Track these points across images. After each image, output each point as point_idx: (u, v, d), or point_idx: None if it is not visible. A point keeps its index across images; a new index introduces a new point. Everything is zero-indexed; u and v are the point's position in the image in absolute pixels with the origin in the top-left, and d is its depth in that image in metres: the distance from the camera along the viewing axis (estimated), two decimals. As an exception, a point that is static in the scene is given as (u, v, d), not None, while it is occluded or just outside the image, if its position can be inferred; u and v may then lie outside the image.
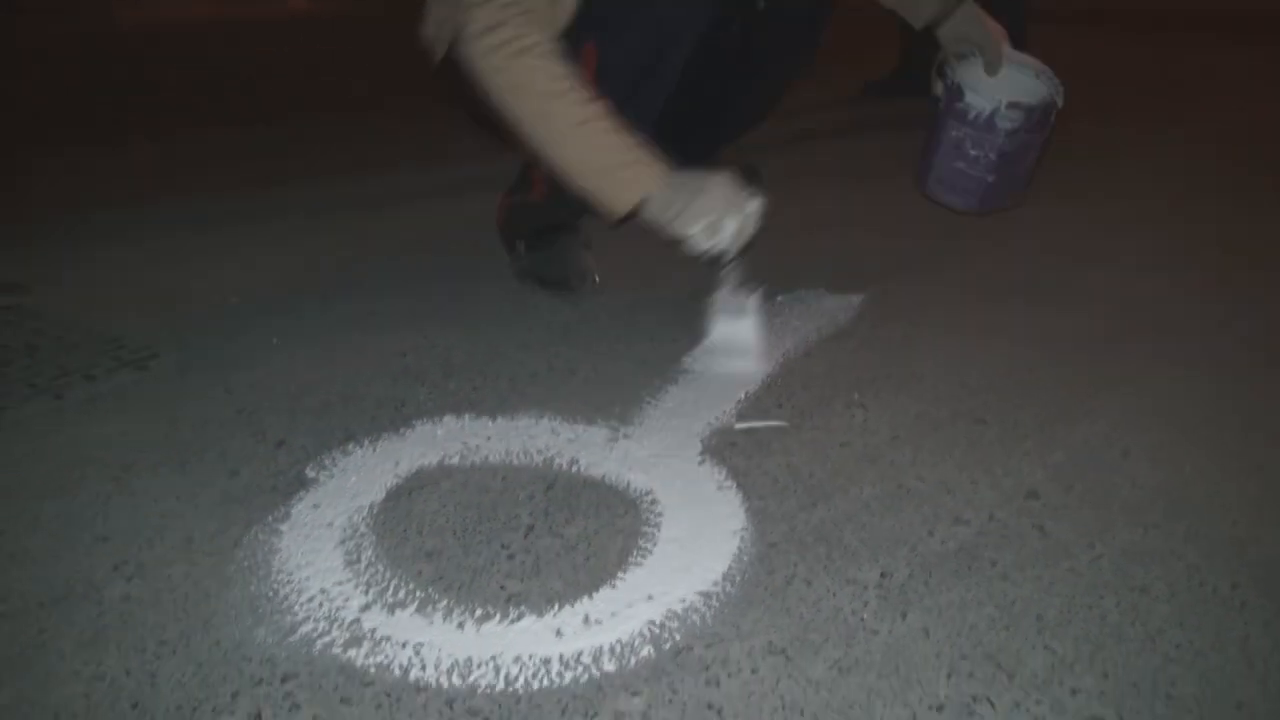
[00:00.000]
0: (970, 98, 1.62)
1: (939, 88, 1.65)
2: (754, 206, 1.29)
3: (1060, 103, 1.62)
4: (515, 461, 1.09)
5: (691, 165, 1.31)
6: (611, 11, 1.31)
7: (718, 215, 1.26)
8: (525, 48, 1.22)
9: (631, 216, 1.29)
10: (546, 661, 0.80)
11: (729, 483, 1.04)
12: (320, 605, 0.86)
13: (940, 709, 0.75)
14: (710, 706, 0.75)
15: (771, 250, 1.74)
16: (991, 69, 1.61)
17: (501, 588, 0.89)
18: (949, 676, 0.78)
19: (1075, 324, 1.43)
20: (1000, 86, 1.61)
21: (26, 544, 0.95)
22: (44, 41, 4.62)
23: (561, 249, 1.58)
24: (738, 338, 1.35)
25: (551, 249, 1.58)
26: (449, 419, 1.18)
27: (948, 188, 1.75)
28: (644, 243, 1.78)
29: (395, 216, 1.99)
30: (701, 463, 1.08)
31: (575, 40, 1.30)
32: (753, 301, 1.35)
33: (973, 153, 1.68)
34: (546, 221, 1.57)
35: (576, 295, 1.54)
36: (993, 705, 0.75)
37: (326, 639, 0.82)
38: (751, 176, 1.82)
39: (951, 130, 1.65)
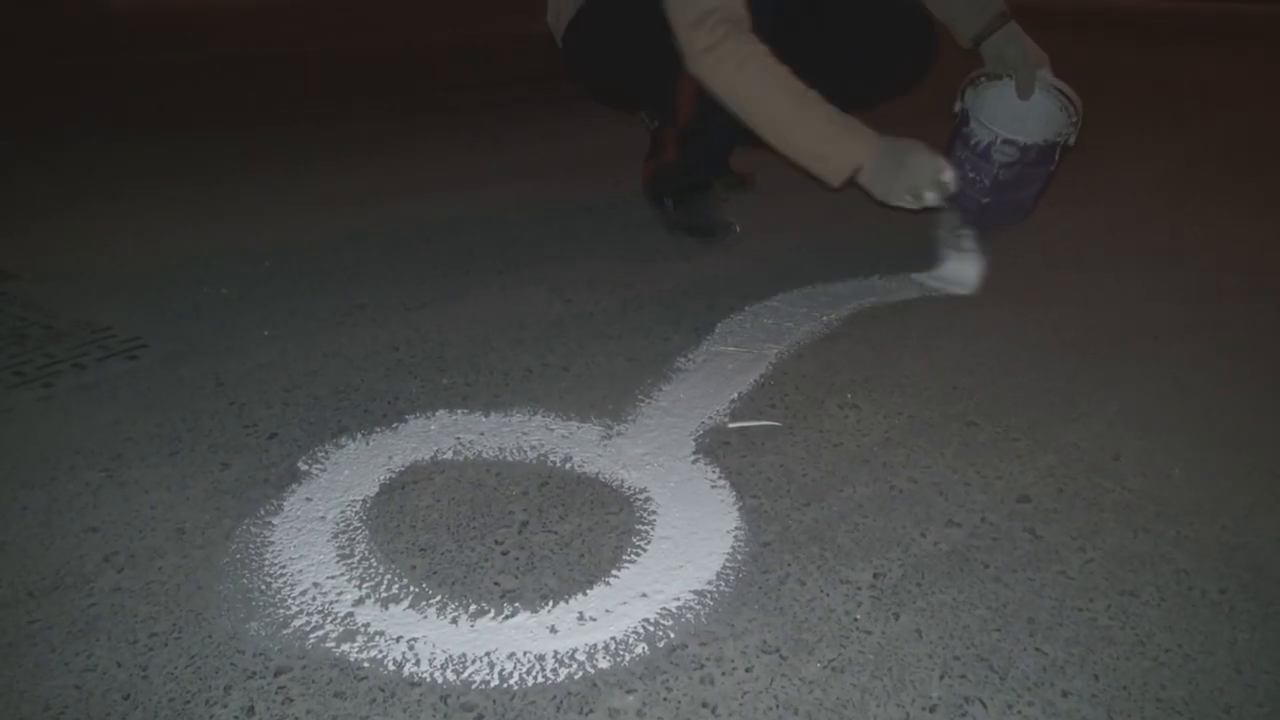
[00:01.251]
0: (974, 125, 1.68)
1: (957, 105, 1.71)
2: (948, 175, 1.46)
3: (1070, 142, 1.66)
4: (509, 458, 1.09)
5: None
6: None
7: (918, 186, 1.44)
8: (744, 58, 1.44)
9: (850, 183, 1.48)
10: (541, 658, 0.80)
11: (722, 482, 1.04)
12: (313, 599, 0.86)
13: (933, 709, 0.75)
14: (705, 705, 0.75)
15: (762, 247, 1.76)
16: (1023, 94, 1.67)
17: (496, 584, 0.88)
18: (941, 677, 0.78)
19: (1067, 327, 1.44)
20: (1005, 120, 1.66)
21: (16, 534, 0.94)
22: (34, 26, 4.58)
23: (703, 203, 1.81)
24: (962, 270, 1.61)
25: (694, 204, 1.81)
26: (442, 414, 1.17)
27: (951, 200, 1.79)
28: (641, 240, 1.79)
29: (390, 210, 1.98)
30: (695, 461, 1.08)
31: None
32: (969, 239, 1.61)
33: (970, 175, 1.73)
34: (689, 181, 1.80)
35: (720, 242, 1.77)
36: (985, 706, 0.75)
37: (320, 633, 0.82)
38: (749, 184, 1.84)
39: (957, 150, 1.71)
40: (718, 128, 1.70)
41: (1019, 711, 0.75)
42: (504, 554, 0.92)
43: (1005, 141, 1.66)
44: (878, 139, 1.45)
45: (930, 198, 1.45)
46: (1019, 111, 1.68)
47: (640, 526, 0.97)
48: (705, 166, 1.83)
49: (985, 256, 1.60)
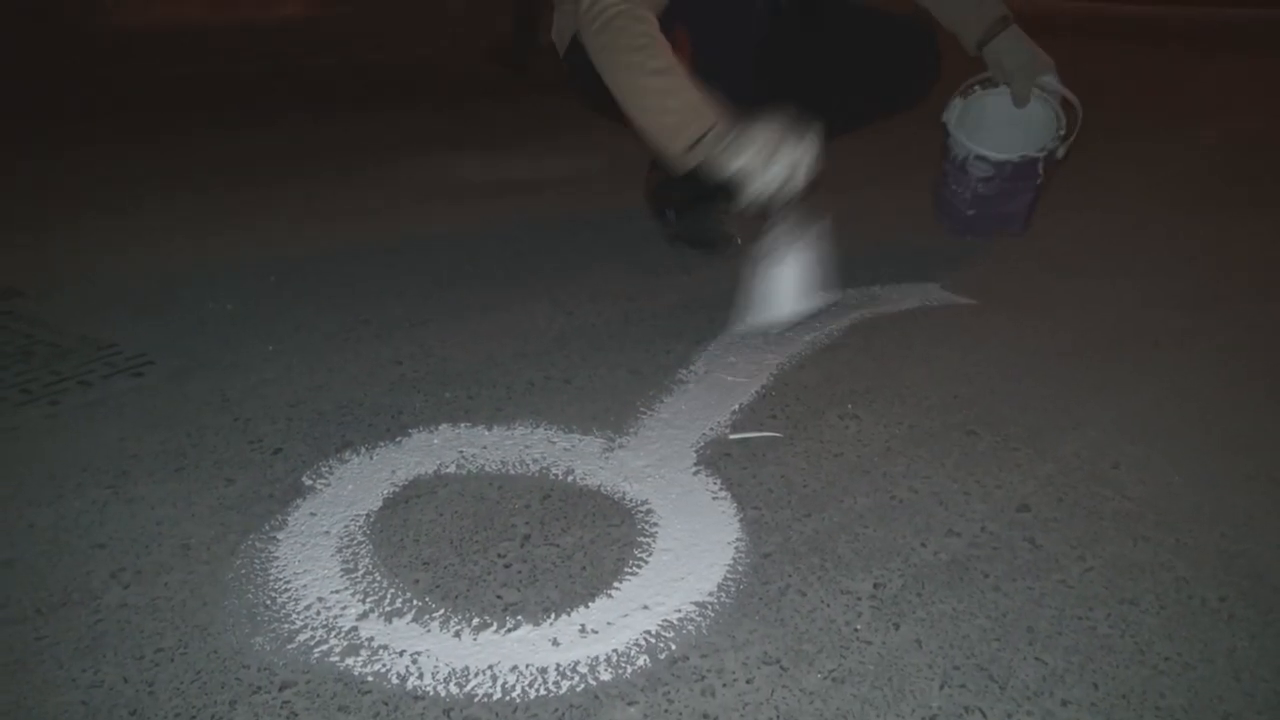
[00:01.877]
0: (951, 139, 1.69)
1: (944, 115, 1.73)
2: (809, 148, 1.30)
3: (1058, 155, 1.67)
4: (512, 471, 1.09)
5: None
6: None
7: (769, 151, 1.30)
8: (618, 12, 1.38)
9: (694, 163, 1.35)
10: (543, 671, 0.80)
11: (724, 493, 1.05)
12: (318, 613, 0.86)
13: (933, 719, 0.76)
14: (706, 716, 0.76)
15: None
16: (1018, 102, 1.67)
17: (498, 597, 0.89)
18: (941, 687, 0.79)
19: (1067, 334, 1.45)
20: (1003, 128, 1.67)
21: (23, 551, 0.95)
22: (36, 42, 4.61)
23: (705, 215, 1.79)
24: (779, 287, 1.36)
25: (696, 216, 1.79)
26: (445, 428, 1.18)
27: (938, 208, 1.84)
28: (642, 254, 1.80)
29: (392, 223, 2.00)
30: (696, 473, 1.09)
31: (668, 24, 1.45)
32: (798, 249, 1.35)
33: (954, 187, 1.76)
34: (691, 192, 1.74)
35: (721, 255, 1.75)
36: (984, 716, 0.76)
37: (324, 647, 0.82)
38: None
39: (944, 161, 1.73)
40: None
41: (1018, 721, 0.75)
42: (506, 567, 0.93)
43: (978, 157, 1.68)
44: (717, 121, 1.34)
45: (776, 171, 1.30)
46: (1018, 119, 1.69)
47: (642, 539, 0.97)
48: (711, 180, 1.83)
49: (809, 269, 1.37)
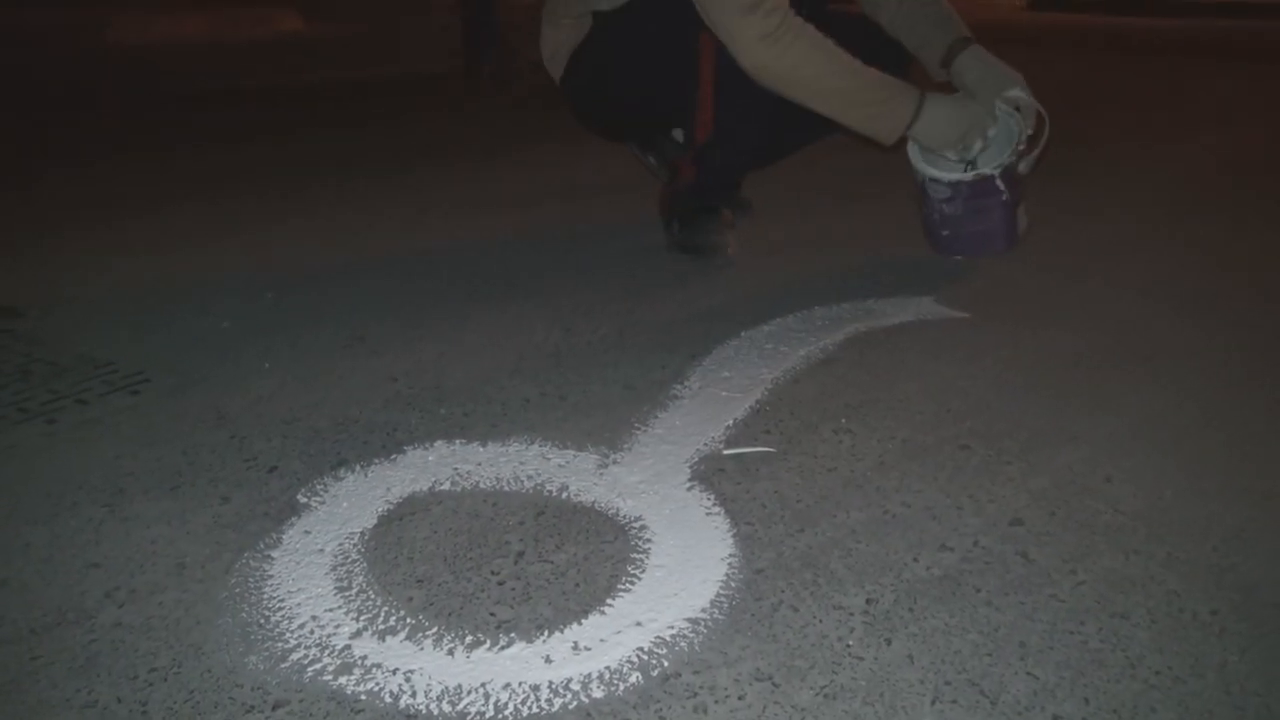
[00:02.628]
0: (911, 161, 1.72)
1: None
2: (991, 131, 1.65)
3: (1020, 169, 1.69)
4: (506, 488, 1.10)
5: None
6: None
7: (970, 133, 1.64)
8: (786, 28, 1.52)
9: (902, 139, 1.64)
10: (536, 688, 0.80)
11: (717, 509, 1.05)
12: (311, 632, 0.87)
13: (924, 735, 0.76)
14: (697, 733, 0.76)
15: (758, 271, 1.78)
16: None
17: (491, 614, 0.89)
18: (933, 703, 0.79)
19: (1060, 346, 1.45)
20: (933, 158, 1.70)
21: (18, 570, 0.95)
22: (33, 61, 4.64)
23: (703, 225, 1.85)
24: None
25: (695, 225, 1.85)
26: (440, 445, 1.19)
27: (924, 228, 1.84)
28: (637, 267, 1.81)
29: (389, 238, 2.01)
30: (690, 489, 1.09)
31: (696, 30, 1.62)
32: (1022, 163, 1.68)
33: (925, 209, 1.76)
34: (697, 203, 1.85)
35: (711, 262, 1.82)
36: (976, 731, 0.76)
37: (317, 666, 0.83)
38: (743, 208, 1.87)
39: (915, 184, 1.75)
40: (734, 149, 1.78)
41: (1009, 736, 0.76)
42: (500, 584, 0.93)
43: (932, 180, 1.70)
44: (922, 91, 1.60)
45: (978, 147, 1.63)
46: (933, 157, 1.72)
47: (635, 555, 0.98)
48: (719, 189, 1.88)
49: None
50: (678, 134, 1.97)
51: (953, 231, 1.77)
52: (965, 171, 1.69)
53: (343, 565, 0.96)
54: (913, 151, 1.72)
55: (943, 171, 1.70)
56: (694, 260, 1.83)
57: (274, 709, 0.78)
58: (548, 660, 0.84)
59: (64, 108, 3.60)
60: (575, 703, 0.79)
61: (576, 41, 1.76)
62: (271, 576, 0.94)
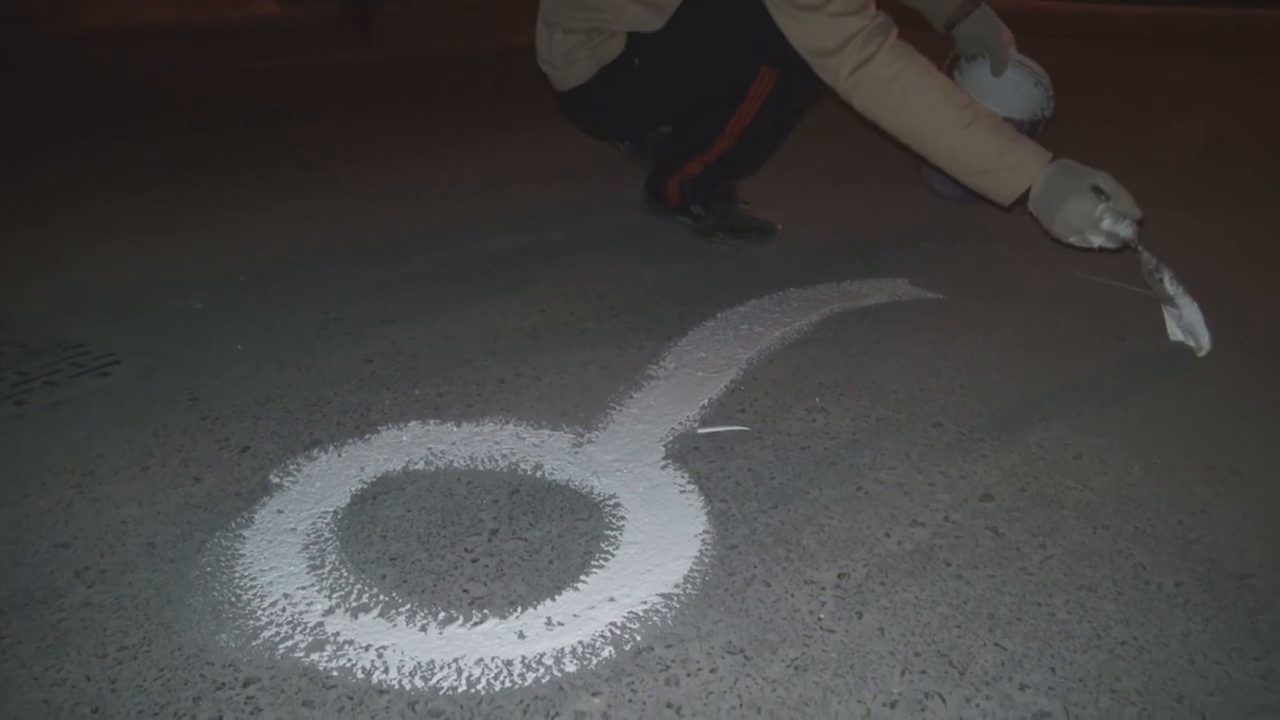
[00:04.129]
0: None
1: None
2: (1136, 214, 1.36)
3: (1048, 115, 1.73)
4: (480, 467, 1.10)
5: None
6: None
7: (1084, 225, 1.36)
8: (900, 70, 1.41)
9: (1020, 203, 1.43)
10: (509, 663, 0.81)
11: (691, 487, 1.06)
12: (283, 610, 0.86)
13: (893, 705, 0.77)
14: (669, 705, 0.76)
15: (734, 254, 1.78)
16: (997, 71, 1.75)
17: (465, 591, 0.89)
18: (902, 673, 0.80)
19: (1034, 329, 1.46)
20: (996, 98, 1.72)
21: (-14, 551, 0.95)
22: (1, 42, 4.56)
23: (735, 207, 1.88)
24: (1190, 317, 1.39)
25: (725, 207, 1.87)
26: (414, 425, 1.18)
27: (937, 177, 1.85)
28: (613, 250, 1.81)
29: (364, 221, 1.99)
30: (664, 467, 1.10)
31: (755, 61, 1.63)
32: (1169, 281, 1.40)
33: None
34: (715, 188, 1.87)
35: (768, 240, 1.84)
36: (944, 701, 0.77)
37: (289, 643, 0.82)
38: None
39: None
40: (752, 160, 1.87)
41: (977, 705, 0.77)
42: (474, 562, 0.93)
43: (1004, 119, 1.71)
44: (1049, 158, 1.40)
45: (1097, 240, 1.36)
46: (993, 89, 1.74)
47: (609, 532, 0.98)
48: (729, 180, 1.91)
49: (1192, 296, 1.41)
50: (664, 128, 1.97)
51: None
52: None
53: (315, 544, 0.95)
54: (972, 82, 1.76)
55: (1009, 110, 1.72)
56: (745, 241, 1.84)
57: (245, 685, 0.78)
58: (521, 636, 0.84)
59: (32, 92, 3.54)
60: (548, 677, 0.79)
61: (608, 57, 1.72)
62: (243, 556, 0.94)
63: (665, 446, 1.14)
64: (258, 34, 5.25)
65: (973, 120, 1.40)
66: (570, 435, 1.16)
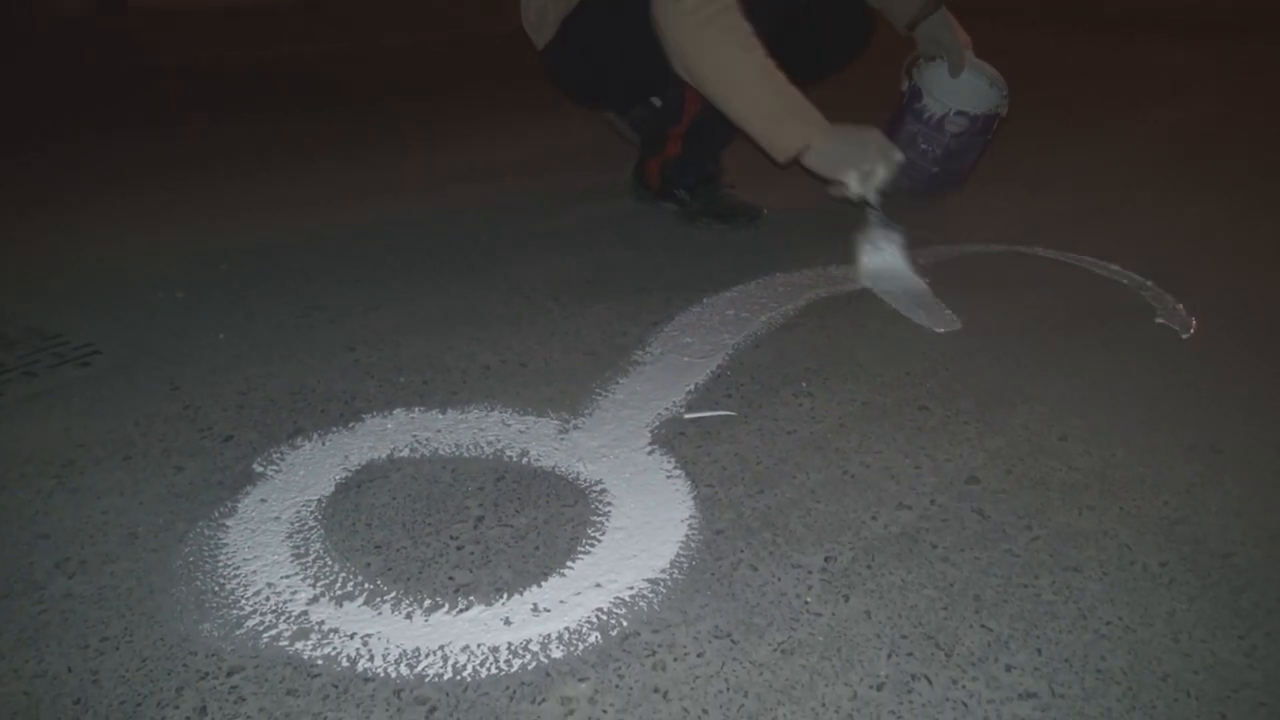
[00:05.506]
0: (928, 100, 1.84)
1: (905, 84, 1.88)
2: (897, 157, 1.55)
3: (1003, 113, 1.82)
4: (465, 454, 1.09)
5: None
6: None
7: (870, 165, 1.52)
8: (720, 9, 1.47)
9: (795, 160, 1.54)
10: (495, 650, 0.80)
11: (678, 472, 1.06)
12: (267, 599, 0.86)
13: (880, 687, 0.77)
14: (656, 690, 0.76)
15: (720, 239, 1.77)
16: (954, 72, 1.85)
17: (450, 578, 0.89)
18: (889, 656, 0.80)
19: (1018, 312, 1.47)
20: (955, 94, 1.84)
21: (-36, 543, 0.93)
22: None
23: (719, 191, 1.90)
24: (887, 265, 1.59)
25: (710, 192, 1.88)
26: (399, 413, 1.17)
27: (899, 173, 1.89)
28: (598, 237, 1.80)
29: (348, 211, 1.97)
30: (651, 452, 1.09)
31: None
32: (896, 235, 1.59)
33: (923, 147, 1.85)
34: (699, 172, 1.87)
35: (751, 224, 1.85)
36: (930, 683, 0.77)
37: (273, 632, 0.82)
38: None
39: (909, 125, 1.86)
40: (724, 123, 1.78)
41: (963, 686, 0.77)
42: (459, 549, 0.93)
43: (958, 113, 1.83)
44: (829, 123, 1.51)
45: (880, 175, 1.52)
46: (950, 88, 1.84)
47: (595, 518, 0.98)
48: (710, 160, 1.90)
49: (907, 255, 1.60)
50: (655, 100, 1.96)
51: (943, 169, 1.89)
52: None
53: (299, 532, 0.95)
54: (931, 80, 1.81)
55: (967, 106, 1.81)
56: (730, 226, 1.85)
57: (229, 675, 0.77)
58: (507, 622, 0.83)
59: (17, 82, 3.50)
60: (534, 663, 0.79)
61: (566, 10, 1.74)
62: (226, 545, 0.93)
63: (651, 432, 1.13)
64: (244, 22, 5.20)
65: (772, 72, 1.50)
66: (556, 421, 1.16)
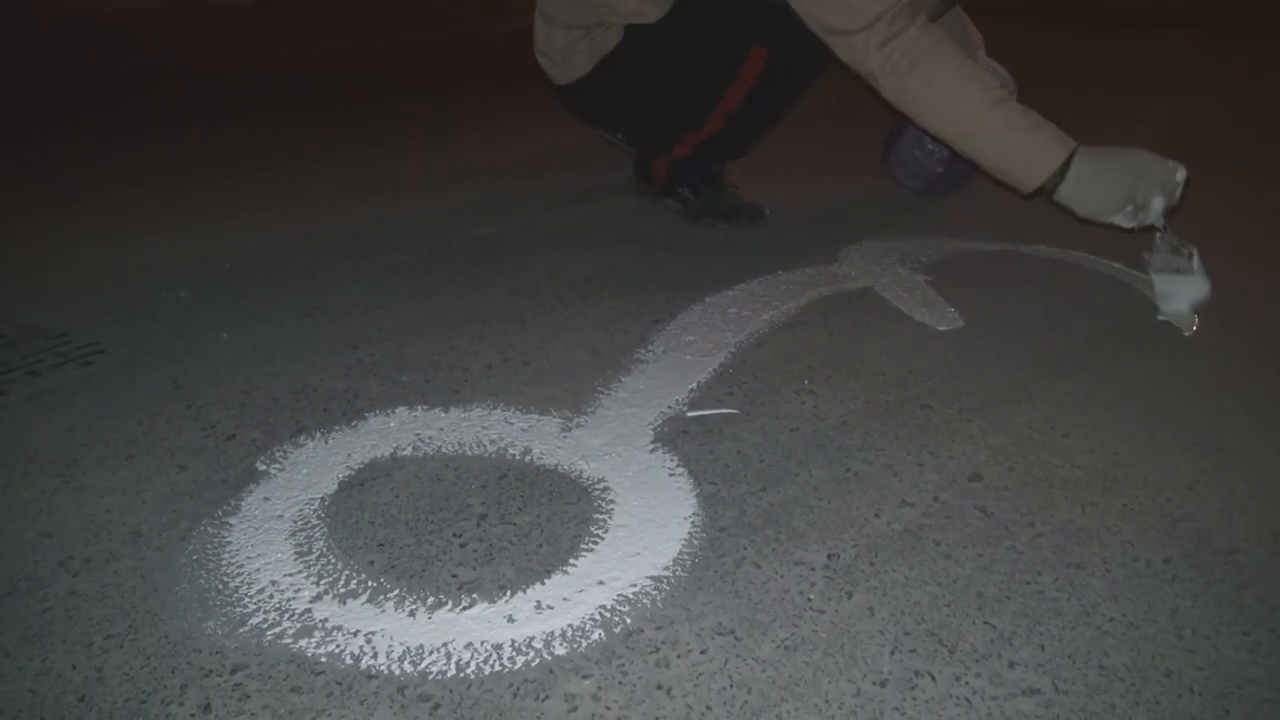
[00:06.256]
0: None
1: None
2: (1180, 176, 1.36)
3: None
4: (468, 452, 1.09)
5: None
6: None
7: (1142, 197, 1.35)
8: (922, 46, 1.37)
9: (1042, 191, 1.39)
10: (498, 647, 0.80)
11: (680, 469, 1.06)
12: (270, 597, 0.86)
13: (883, 684, 0.77)
14: (660, 687, 0.76)
15: (722, 238, 1.78)
16: None
17: (454, 576, 0.89)
18: (892, 653, 0.80)
19: (1020, 309, 1.47)
20: None
21: (-32, 542, 0.93)
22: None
23: (723, 190, 1.89)
24: (1185, 290, 1.41)
25: (713, 191, 1.88)
26: (402, 411, 1.17)
27: (903, 170, 1.95)
28: (600, 236, 1.80)
29: (350, 211, 1.98)
30: (653, 450, 1.09)
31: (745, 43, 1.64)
32: (1192, 257, 1.42)
33: (930, 146, 1.84)
34: (703, 172, 1.87)
35: (754, 223, 1.85)
36: (933, 679, 0.77)
37: (277, 630, 0.82)
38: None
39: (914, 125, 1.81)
40: (741, 142, 1.87)
41: (966, 683, 0.77)
42: (462, 546, 0.93)
43: None
44: (1077, 144, 1.38)
45: (1155, 208, 1.36)
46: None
47: (598, 515, 0.98)
48: (717, 163, 1.91)
49: (1205, 274, 1.42)
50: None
51: (947, 169, 1.90)
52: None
53: (303, 530, 0.95)
54: None
55: None
56: (734, 225, 1.85)
57: (233, 672, 0.77)
58: (510, 620, 0.83)
59: (13, 83, 3.50)
60: (538, 660, 0.79)
61: (605, 49, 1.71)
62: (230, 543, 0.93)
63: (654, 430, 1.13)
64: (244, 22, 5.20)
65: (1001, 100, 1.37)
66: (559, 419, 1.16)
